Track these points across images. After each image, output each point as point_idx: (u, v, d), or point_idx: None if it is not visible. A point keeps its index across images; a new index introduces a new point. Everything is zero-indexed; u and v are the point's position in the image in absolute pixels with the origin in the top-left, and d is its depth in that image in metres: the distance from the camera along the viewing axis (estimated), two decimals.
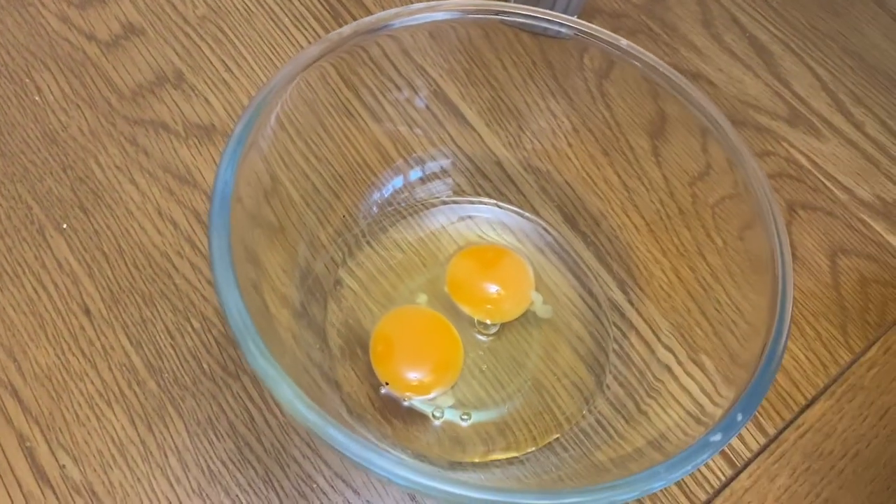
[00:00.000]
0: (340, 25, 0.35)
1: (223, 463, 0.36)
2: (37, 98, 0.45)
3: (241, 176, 0.31)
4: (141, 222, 0.42)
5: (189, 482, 0.35)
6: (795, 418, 0.40)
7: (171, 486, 0.35)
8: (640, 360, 0.38)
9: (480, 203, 0.43)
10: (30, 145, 0.43)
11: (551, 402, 0.38)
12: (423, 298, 0.40)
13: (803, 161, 0.49)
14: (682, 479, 0.37)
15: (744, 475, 0.38)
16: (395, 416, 0.36)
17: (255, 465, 0.36)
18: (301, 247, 0.38)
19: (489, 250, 0.42)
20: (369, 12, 0.51)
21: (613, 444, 0.35)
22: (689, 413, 0.32)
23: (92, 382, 0.37)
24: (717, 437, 0.26)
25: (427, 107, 0.43)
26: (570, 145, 0.43)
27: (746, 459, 0.39)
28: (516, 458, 0.36)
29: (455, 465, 0.36)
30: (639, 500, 0.37)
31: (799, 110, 0.52)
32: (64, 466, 0.35)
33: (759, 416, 0.40)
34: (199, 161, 0.44)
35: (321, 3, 0.51)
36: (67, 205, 0.42)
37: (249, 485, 0.35)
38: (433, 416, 0.36)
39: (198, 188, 0.43)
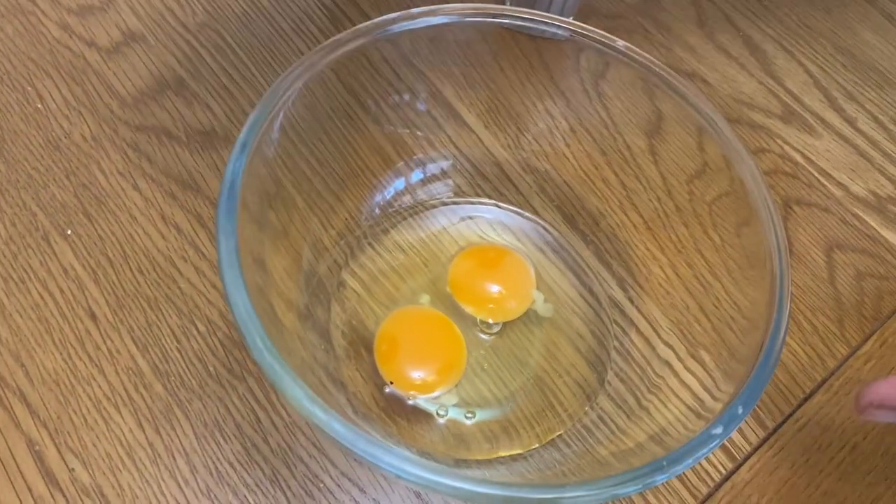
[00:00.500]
0: (339, 31, 0.36)
1: (230, 464, 0.36)
2: (39, 106, 0.46)
3: (246, 182, 0.32)
4: (145, 227, 0.42)
5: (197, 483, 0.36)
6: (794, 412, 0.41)
7: (180, 487, 0.35)
8: (640, 356, 0.39)
9: (480, 204, 0.44)
10: (33, 153, 0.44)
11: (554, 399, 0.38)
12: (425, 299, 0.40)
13: (798, 157, 0.50)
14: (684, 473, 0.38)
15: (744, 468, 0.39)
16: (399, 416, 0.37)
17: (262, 466, 0.36)
18: (305, 250, 0.39)
19: (490, 250, 0.42)
20: (368, 17, 0.51)
21: (615, 440, 0.35)
22: (689, 408, 0.33)
23: (99, 386, 0.37)
24: (719, 430, 0.27)
25: (427, 110, 0.43)
26: (567, 145, 0.44)
27: (746, 453, 0.39)
28: (520, 455, 0.36)
29: (460, 463, 0.36)
30: (642, 494, 0.37)
31: (792, 107, 0.52)
32: (73, 469, 0.35)
33: (758, 409, 0.40)
34: (202, 166, 0.44)
35: (320, 9, 0.52)
36: (71, 211, 0.42)
37: (257, 485, 0.36)
38: (437, 414, 0.37)
39: (201, 193, 0.43)
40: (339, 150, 0.40)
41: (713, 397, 0.32)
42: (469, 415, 0.37)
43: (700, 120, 0.37)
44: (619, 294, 0.41)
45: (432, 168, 0.44)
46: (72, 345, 0.38)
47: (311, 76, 0.35)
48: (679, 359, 0.37)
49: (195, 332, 0.39)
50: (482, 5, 0.38)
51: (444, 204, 0.43)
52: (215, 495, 0.35)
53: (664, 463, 0.26)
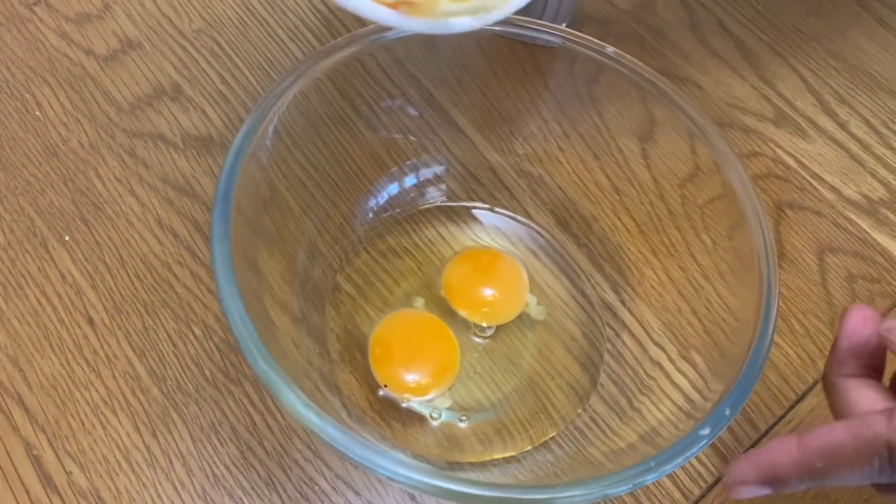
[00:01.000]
0: (335, 37, 0.36)
1: (226, 467, 0.36)
2: (37, 113, 0.46)
3: (241, 187, 0.32)
4: (141, 233, 0.42)
5: (193, 487, 0.36)
6: (786, 413, 0.41)
7: (177, 490, 0.36)
8: (632, 358, 0.39)
9: (474, 208, 0.44)
10: (31, 159, 0.44)
11: (546, 401, 0.38)
12: (419, 302, 0.41)
13: (790, 161, 0.50)
14: (676, 474, 0.38)
15: None
16: (393, 419, 0.37)
17: (257, 469, 0.37)
18: (300, 254, 0.39)
19: (483, 254, 0.43)
20: (363, 24, 0.52)
21: (607, 441, 0.35)
22: (680, 408, 0.33)
23: (97, 391, 0.38)
24: (706, 431, 0.27)
25: (420, 115, 0.44)
26: (561, 150, 0.44)
27: (738, 454, 0.39)
28: (513, 457, 0.37)
29: (453, 466, 0.36)
30: (634, 495, 0.37)
31: (785, 111, 0.53)
32: (70, 473, 0.36)
33: (750, 411, 0.41)
34: (198, 172, 0.45)
35: (315, 16, 0.52)
36: (69, 217, 0.43)
37: (253, 488, 0.36)
38: (431, 417, 0.37)
39: (197, 198, 0.44)
40: (333, 154, 0.40)
41: (704, 398, 0.32)
42: (463, 417, 0.37)
43: (691, 125, 0.38)
44: (611, 297, 0.42)
45: (426, 172, 0.44)
46: (69, 350, 0.39)
47: (306, 82, 0.36)
48: (670, 360, 0.37)
49: (192, 337, 0.40)
50: None
51: (438, 208, 0.44)
52: (211, 498, 0.36)
53: (652, 463, 0.26)
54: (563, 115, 0.44)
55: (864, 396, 0.27)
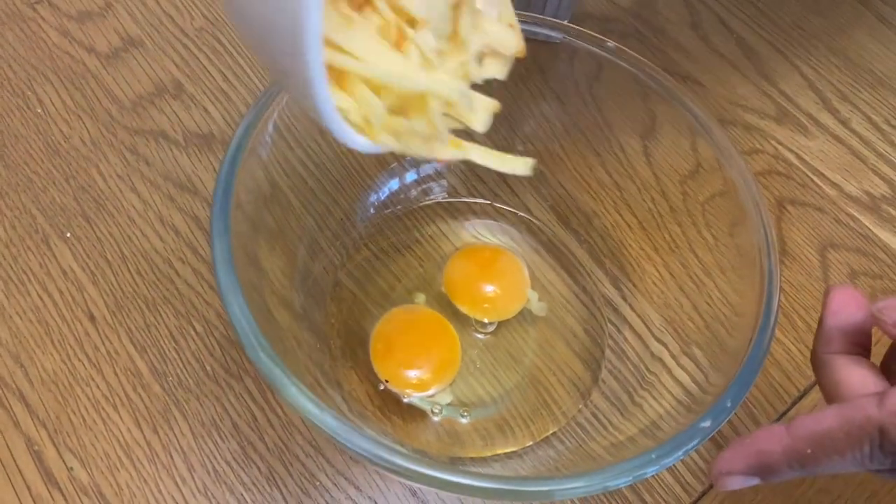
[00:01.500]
0: None
1: (227, 463, 0.36)
2: (39, 110, 0.46)
3: (241, 182, 0.32)
4: (143, 229, 0.42)
5: (194, 482, 0.36)
6: (788, 410, 0.41)
7: (177, 486, 0.36)
8: (633, 354, 0.39)
9: (475, 204, 0.44)
10: (33, 156, 0.44)
11: (548, 397, 0.38)
12: (420, 298, 0.40)
13: (791, 158, 0.50)
14: (678, 470, 0.38)
15: None
16: (394, 414, 0.37)
17: (258, 465, 0.36)
18: (300, 250, 0.39)
19: (485, 250, 0.42)
20: None
21: (609, 436, 0.35)
22: (681, 403, 0.33)
23: (98, 387, 0.38)
24: (707, 424, 0.27)
25: None
26: (562, 147, 0.44)
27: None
28: (515, 452, 0.37)
29: (455, 461, 0.36)
30: (637, 491, 0.37)
31: (786, 108, 0.53)
32: (72, 469, 0.36)
33: (752, 407, 0.41)
34: (199, 169, 0.45)
35: None
36: (70, 214, 0.43)
37: (254, 483, 0.36)
38: (432, 412, 0.37)
39: (198, 195, 0.44)
40: (334, 151, 0.40)
41: (705, 392, 0.32)
42: (464, 413, 0.37)
43: (692, 121, 0.38)
44: (612, 293, 0.42)
45: (427, 168, 0.44)
46: (71, 346, 0.39)
47: None
48: (672, 355, 0.37)
49: (193, 333, 0.40)
50: None
51: (439, 204, 0.44)
52: (212, 494, 0.36)
53: (653, 456, 0.26)
54: (563, 111, 0.44)
55: (854, 374, 0.27)
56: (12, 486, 0.35)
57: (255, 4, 0.21)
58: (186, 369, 0.39)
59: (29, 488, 0.35)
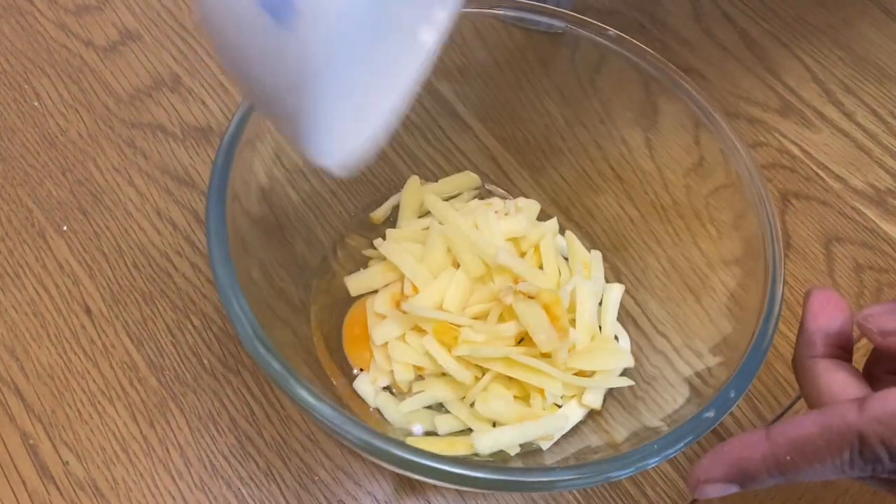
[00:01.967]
0: None
1: (225, 457, 0.36)
2: (36, 104, 0.46)
3: (237, 174, 0.32)
4: (140, 223, 0.42)
5: (191, 476, 0.35)
6: (793, 404, 0.40)
7: (174, 480, 0.35)
8: (636, 348, 0.38)
9: (476, 197, 0.44)
10: (29, 149, 0.44)
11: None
12: None
13: (796, 151, 0.50)
14: (681, 464, 0.38)
15: None
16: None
17: (256, 459, 0.36)
18: (298, 243, 0.39)
19: None
20: None
21: (611, 430, 0.35)
22: (684, 396, 0.33)
23: (94, 380, 0.37)
24: (710, 414, 0.27)
25: (421, 103, 0.43)
26: (563, 139, 0.44)
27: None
28: None
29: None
30: (639, 486, 0.37)
31: (790, 101, 0.52)
32: (67, 463, 0.35)
33: (756, 402, 0.40)
34: (197, 162, 0.44)
35: None
36: (67, 207, 0.42)
37: (251, 478, 0.36)
38: None
39: (196, 189, 0.43)
40: None
41: (708, 385, 0.32)
42: None
43: (696, 112, 0.37)
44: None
45: (427, 162, 0.43)
46: (67, 339, 0.38)
47: None
48: (674, 349, 0.37)
49: (190, 327, 0.39)
50: None
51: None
52: (209, 488, 0.35)
53: (655, 447, 0.26)
54: (565, 104, 0.43)
55: (836, 379, 0.26)
56: (7, 480, 0.35)
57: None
58: (184, 363, 0.38)
59: (24, 483, 0.35)
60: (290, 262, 0.38)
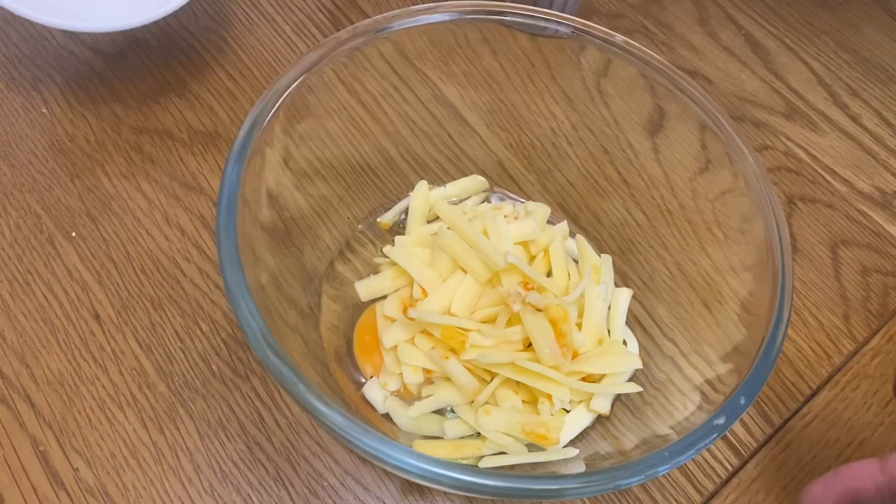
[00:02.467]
0: None
1: (234, 463, 0.36)
2: (44, 110, 0.46)
3: (247, 180, 0.32)
4: (148, 229, 0.42)
5: (201, 482, 0.36)
6: (801, 408, 0.40)
7: (184, 486, 0.35)
8: (644, 353, 0.38)
9: (483, 201, 0.44)
10: (38, 156, 0.44)
11: None
12: None
13: (802, 154, 0.50)
14: (690, 470, 0.38)
15: (750, 465, 0.38)
16: None
17: (265, 465, 0.36)
18: (307, 249, 0.39)
19: None
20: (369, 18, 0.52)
21: (620, 437, 0.35)
22: (693, 402, 0.33)
23: (103, 386, 0.38)
24: (721, 421, 0.27)
25: (427, 109, 0.43)
26: (570, 144, 0.44)
27: (753, 449, 0.39)
28: None
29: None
30: (648, 492, 0.37)
31: (796, 105, 0.52)
32: (77, 469, 0.35)
33: (764, 406, 0.40)
34: (205, 168, 0.44)
35: (321, 11, 0.52)
36: (76, 213, 0.42)
37: (260, 483, 0.36)
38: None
39: (204, 194, 0.43)
40: (340, 149, 0.40)
41: (717, 391, 0.32)
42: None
43: (703, 116, 0.37)
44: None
45: (434, 167, 0.44)
46: (76, 346, 0.39)
47: (311, 75, 0.35)
48: (683, 354, 0.37)
49: (199, 333, 0.39)
50: (482, 2, 0.38)
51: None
52: (219, 494, 0.35)
53: (666, 454, 0.26)
54: (571, 108, 0.43)
55: None
56: (18, 487, 0.35)
57: None
58: (193, 369, 0.38)
59: (35, 489, 0.35)
60: (298, 268, 0.38)
